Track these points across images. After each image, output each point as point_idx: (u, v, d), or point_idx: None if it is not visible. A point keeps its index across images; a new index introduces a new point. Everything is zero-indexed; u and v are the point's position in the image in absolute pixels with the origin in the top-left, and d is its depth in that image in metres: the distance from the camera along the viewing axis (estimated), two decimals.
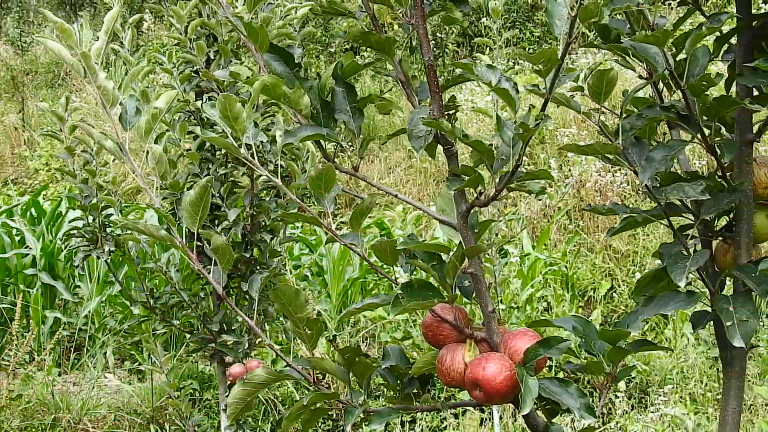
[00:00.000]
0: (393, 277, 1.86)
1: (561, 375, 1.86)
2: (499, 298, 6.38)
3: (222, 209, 4.34)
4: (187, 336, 4.92)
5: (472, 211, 1.79)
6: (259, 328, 1.95)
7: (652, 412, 6.04)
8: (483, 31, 5.38)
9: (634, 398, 6.33)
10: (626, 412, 6.05)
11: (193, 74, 4.42)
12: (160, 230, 1.99)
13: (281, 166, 1.88)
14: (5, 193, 9.68)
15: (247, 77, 2.03)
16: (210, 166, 4.33)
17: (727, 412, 1.95)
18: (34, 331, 6.60)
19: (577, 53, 9.68)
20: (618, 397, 6.11)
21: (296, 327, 1.91)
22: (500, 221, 6.42)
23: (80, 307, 6.66)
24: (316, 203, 1.82)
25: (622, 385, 6.17)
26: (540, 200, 7.79)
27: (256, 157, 1.84)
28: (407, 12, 1.76)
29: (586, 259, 8.06)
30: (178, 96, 4.22)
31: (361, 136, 1.83)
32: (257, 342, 4.71)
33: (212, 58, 4.46)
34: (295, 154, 4.25)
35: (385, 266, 1.84)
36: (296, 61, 1.83)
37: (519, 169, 1.73)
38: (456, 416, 5.80)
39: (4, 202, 8.75)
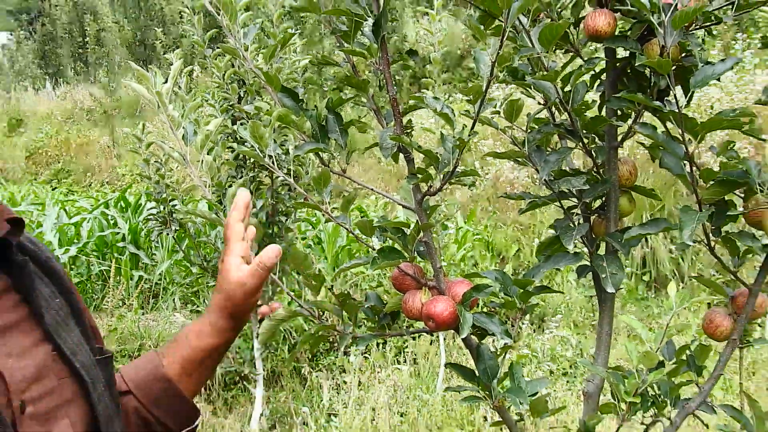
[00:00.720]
0: (370, 245, 1.84)
1: (486, 310, 1.84)
2: (442, 258, 6.41)
3: (252, 200, 4.35)
4: None
5: (425, 199, 1.78)
6: (279, 281, 1.93)
7: (548, 333, 6.07)
8: (427, 74, 5.34)
9: (535, 324, 6.40)
10: (530, 334, 6.10)
11: (229, 107, 4.41)
12: (211, 214, 1.97)
13: (292, 170, 1.85)
14: (102, 191, 9.66)
15: (267, 110, 2.01)
16: (243, 171, 4.35)
17: (602, 334, 1.95)
18: (124, 284, 6.59)
19: (493, 87, 9.77)
20: (524, 324, 6.15)
21: (305, 279, 1.89)
22: (442, 205, 6.43)
23: (156, 268, 6.67)
24: (317, 195, 1.80)
25: (527, 316, 6.21)
26: (470, 190, 7.79)
27: (275, 164, 1.81)
28: (377, 61, 1.74)
29: (501, 230, 8.12)
30: (221, 123, 4.21)
31: (346, 148, 1.81)
32: (278, 290, 4.72)
33: (242, 96, 4.46)
34: (301, 162, 4.28)
35: (364, 237, 1.82)
36: (300, 98, 1.81)
37: (456, 169, 1.71)
38: (414, 338, 5.81)
39: (102, 197, 8.73)
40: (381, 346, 5.83)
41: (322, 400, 5.13)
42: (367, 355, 5.58)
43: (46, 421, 1.18)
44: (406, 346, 5.79)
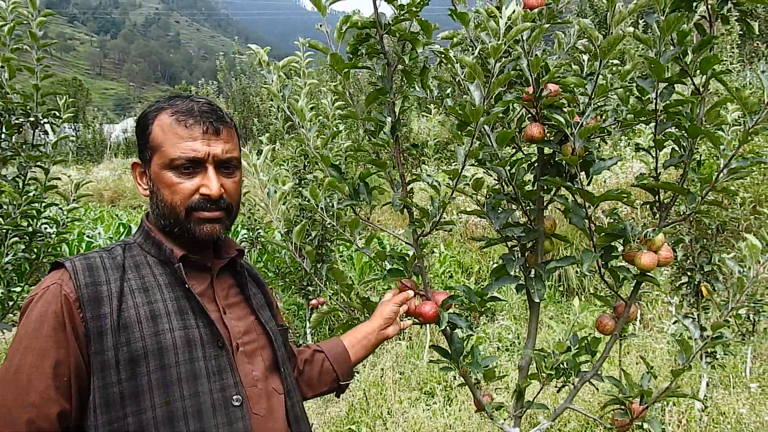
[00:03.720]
0: (383, 266, 1.85)
1: (457, 311, 1.83)
2: (429, 273, 6.37)
3: (308, 232, 4.34)
4: (293, 287, 4.91)
5: (419, 238, 1.78)
6: (324, 286, 1.94)
7: (497, 324, 6.02)
8: (426, 154, 5.35)
9: (488, 317, 6.30)
10: (485, 323, 6.03)
11: (297, 172, 4.42)
12: (282, 242, 1.98)
13: (335, 215, 1.87)
14: None
15: (322, 178, 2.03)
16: (304, 213, 4.35)
17: (531, 328, 1.94)
18: None
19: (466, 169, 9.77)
20: (481, 317, 6.09)
21: (342, 287, 1.90)
22: (433, 239, 6.40)
23: None
24: (350, 233, 1.81)
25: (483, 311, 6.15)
26: (449, 232, 7.69)
27: (323, 212, 1.83)
28: (392, 150, 1.76)
29: (468, 254, 8.04)
30: (292, 185, 4.23)
31: (370, 204, 1.82)
32: (322, 292, 4.72)
33: (306, 165, 4.46)
34: (342, 211, 4.27)
35: (380, 261, 1.83)
36: (342, 170, 1.83)
37: (440, 219, 1.72)
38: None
39: None
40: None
41: None
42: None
43: (250, 357, 1.41)
44: (405, 332, 5.76)
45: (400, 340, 5.52)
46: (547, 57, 1.90)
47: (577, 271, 7.22)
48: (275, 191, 2.07)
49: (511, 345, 5.61)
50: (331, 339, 1.78)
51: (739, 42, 12.69)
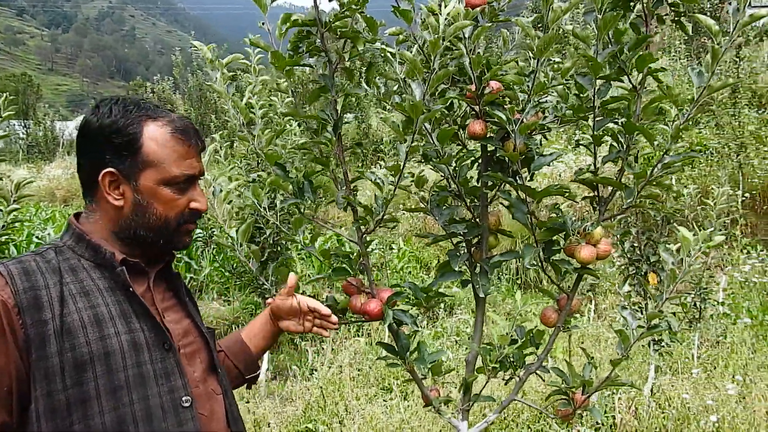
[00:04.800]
0: (329, 265, 1.84)
1: (405, 307, 1.85)
2: (388, 268, 6.37)
3: (262, 230, 4.30)
4: (249, 285, 4.88)
5: (364, 236, 1.78)
6: (270, 286, 1.93)
7: (455, 317, 6.08)
8: (381, 150, 5.36)
9: (447, 311, 6.35)
10: (443, 318, 6.07)
11: (250, 170, 4.37)
12: (228, 242, 1.95)
13: (279, 215, 1.86)
14: None
15: (264, 177, 2.02)
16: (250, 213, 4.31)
17: (477, 322, 1.96)
18: None
19: (410, 164, 9.80)
20: (439, 311, 6.13)
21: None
22: (387, 235, 6.40)
23: (201, 272, 6.54)
24: (294, 231, 1.80)
25: (443, 306, 6.20)
26: (393, 230, 7.64)
27: (267, 211, 1.82)
28: (336, 148, 1.75)
29: (427, 249, 8.08)
30: (239, 184, 4.16)
31: (315, 203, 1.81)
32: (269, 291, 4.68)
33: (259, 163, 4.42)
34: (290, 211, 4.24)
35: (325, 259, 1.82)
36: (286, 169, 1.82)
37: (384, 217, 1.73)
38: (356, 324, 5.78)
39: None
40: (347, 324, 5.79)
41: (308, 360, 5.08)
42: (338, 331, 5.54)
43: (190, 359, 1.42)
44: (363, 325, 5.76)
45: (358, 336, 5.53)
46: (502, 54, 1.92)
47: (533, 264, 7.30)
48: (221, 190, 2.05)
49: (469, 339, 5.65)
50: (231, 335, 1.78)
51: (687, 38, 13.03)
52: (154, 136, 1.37)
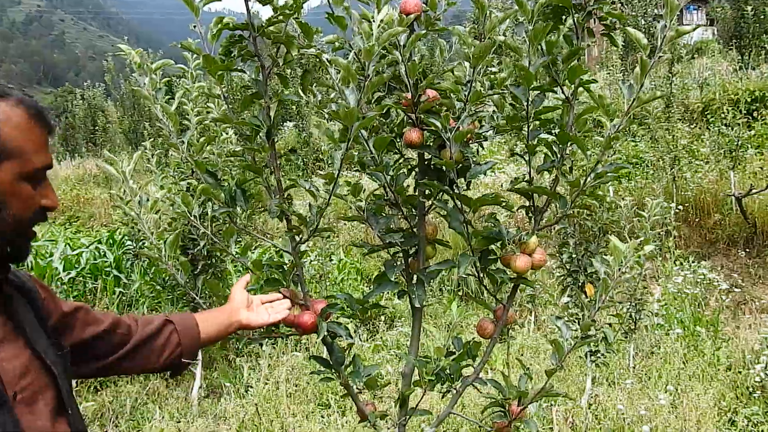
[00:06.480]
0: (262, 276, 1.80)
1: (341, 320, 1.84)
2: (327, 280, 6.31)
3: (196, 241, 4.19)
4: (182, 300, 4.75)
5: (298, 245, 1.76)
6: (199, 300, 1.87)
7: (396, 329, 6.07)
8: (321, 159, 5.35)
9: (388, 323, 6.32)
10: (384, 330, 6.06)
11: (184, 179, 4.27)
12: (155, 254, 1.90)
13: (212, 225, 1.81)
14: (99, 232, 9.13)
15: (196, 185, 1.97)
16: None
17: (414, 334, 1.96)
18: (108, 297, 6.23)
19: (347, 172, 9.87)
20: (380, 323, 6.11)
21: (219, 300, 1.84)
22: (327, 245, 6.37)
23: (131, 286, 6.32)
24: (225, 242, 1.76)
25: (383, 318, 6.18)
26: (329, 239, 7.47)
27: (198, 220, 1.77)
28: (269, 156, 1.73)
29: (368, 261, 8.06)
30: (166, 191, 4.03)
31: (247, 212, 1.78)
32: (208, 303, 4.57)
33: (194, 171, 4.32)
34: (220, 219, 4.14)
35: (256, 270, 1.79)
36: (218, 177, 1.78)
37: (318, 226, 1.71)
38: (293, 339, 5.70)
39: (98, 236, 8.24)
40: (284, 339, 5.71)
41: (242, 377, 4.98)
42: (274, 345, 5.45)
43: (31, 404, 1.17)
44: (301, 340, 5.68)
45: (296, 351, 5.46)
46: (443, 63, 1.94)
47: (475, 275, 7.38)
48: (147, 199, 1.99)
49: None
50: (183, 313, 1.67)
51: (622, 53, 13.55)
52: (11, 118, 1.13)
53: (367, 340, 5.81)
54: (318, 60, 1.77)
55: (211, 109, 4.60)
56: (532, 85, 1.70)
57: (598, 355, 3.99)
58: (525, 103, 1.74)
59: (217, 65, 1.68)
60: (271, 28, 1.70)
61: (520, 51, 1.72)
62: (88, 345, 1.43)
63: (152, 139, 4.69)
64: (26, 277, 1.32)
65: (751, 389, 4.34)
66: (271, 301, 1.75)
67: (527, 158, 1.84)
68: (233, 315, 1.66)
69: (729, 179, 8.56)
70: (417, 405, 1.92)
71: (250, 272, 1.76)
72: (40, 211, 1.20)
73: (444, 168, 1.77)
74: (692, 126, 10.74)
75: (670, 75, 9.47)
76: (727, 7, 18.11)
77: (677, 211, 8.02)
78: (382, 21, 1.54)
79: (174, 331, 1.57)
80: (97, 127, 22.43)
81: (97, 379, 4.89)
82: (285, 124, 16.10)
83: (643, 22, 14.91)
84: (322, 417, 4.26)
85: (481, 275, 1.84)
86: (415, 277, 1.90)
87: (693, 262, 7.13)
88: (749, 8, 16.79)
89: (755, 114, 11.42)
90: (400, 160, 1.91)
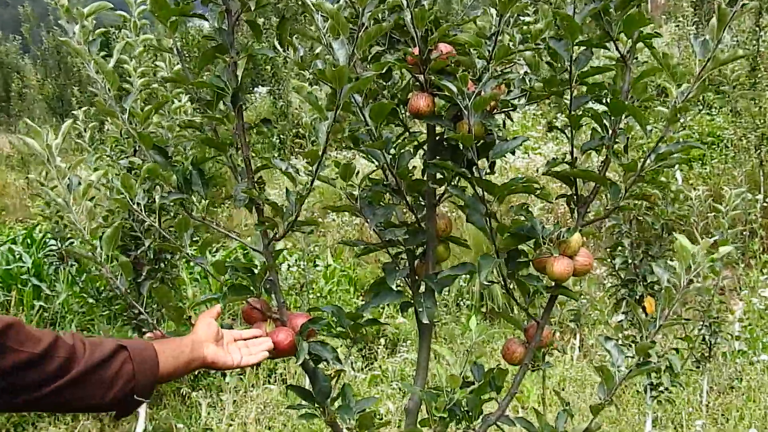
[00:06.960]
0: (223, 281, 1.82)
1: (327, 340, 1.86)
2: (311, 292, 6.34)
3: (140, 241, 4.21)
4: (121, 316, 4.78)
5: (271, 243, 1.78)
6: (144, 311, 1.89)
7: (399, 355, 6.09)
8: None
9: (389, 348, 6.33)
10: (384, 357, 6.07)
11: (124, 158, 4.26)
12: (88, 254, 1.91)
13: (161, 217, 1.83)
14: (15, 229, 9.16)
15: (140, 165, 1.99)
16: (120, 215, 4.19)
17: (421, 360, 1.98)
18: (26, 313, 6.25)
19: (336, 152, 9.83)
20: (379, 347, 6.12)
21: (168, 311, 1.86)
22: (311, 246, 6.39)
23: (56, 299, 6.30)
24: (179, 237, 1.78)
25: (382, 341, 6.20)
26: (308, 235, 7.52)
27: (143, 211, 1.79)
28: (235, 127, 1.75)
29: (363, 268, 8.07)
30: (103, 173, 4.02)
31: (207, 200, 1.80)
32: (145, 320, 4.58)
33: (137, 149, 4.31)
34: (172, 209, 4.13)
35: (219, 275, 1.81)
36: (168, 155, 1.80)
37: (298, 218, 1.73)
38: (284, 361, 5.71)
39: (12, 234, 8.26)
40: (254, 368, 5.73)
41: (200, 417, 5.01)
42: (242, 376, 5.47)
43: None
44: (277, 368, 5.70)
45: (269, 383, 5.49)
46: (462, 7, 1.95)
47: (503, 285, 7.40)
48: (79, 183, 2.00)
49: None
50: (140, 340, 1.69)
51: (695, 0, 13.53)
52: None
53: (363, 369, 5.84)
54: (300, 4, 1.79)
55: (161, 68, 4.61)
56: (577, 39, 1.71)
57: (661, 389, 4.01)
58: (567, 62, 1.75)
59: (168, 9, 1.69)
60: None
61: None
62: (17, 371, 1.41)
63: (84, 109, 4.70)
64: None
65: None
66: (246, 339, 1.74)
67: (569, 134, 1.86)
68: (197, 349, 1.66)
69: None
70: None
71: (218, 302, 1.76)
72: None
73: (461, 145, 1.78)
74: None
75: (757, 29, 9.48)
76: None
77: (765, 204, 8.04)
78: None
79: (128, 359, 1.55)
80: (11, 93, 22.38)
81: (8, 419, 4.91)
82: (256, 89, 16.08)
83: None
84: None
85: (509, 283, 1.86)
86: (422, 284, 1.92)
87: None
88: None
89: None
90: (404, 135, 1.92)
